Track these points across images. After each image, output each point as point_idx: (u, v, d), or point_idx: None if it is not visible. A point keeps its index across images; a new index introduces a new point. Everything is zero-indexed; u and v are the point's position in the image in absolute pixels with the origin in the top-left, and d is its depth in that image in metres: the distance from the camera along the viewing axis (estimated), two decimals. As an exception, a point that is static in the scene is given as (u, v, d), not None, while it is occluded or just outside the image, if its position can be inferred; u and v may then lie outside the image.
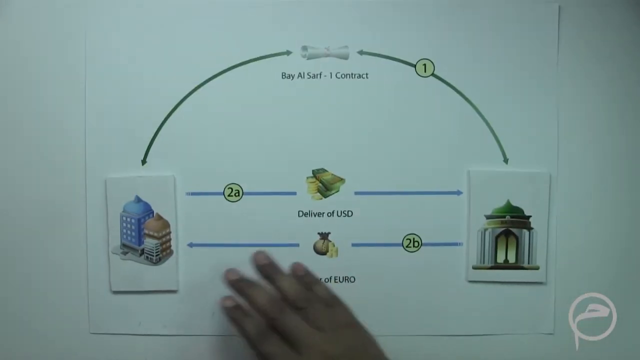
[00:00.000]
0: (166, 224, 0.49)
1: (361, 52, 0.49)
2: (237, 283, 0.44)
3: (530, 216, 0.49)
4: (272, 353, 0.42)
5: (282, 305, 0.43)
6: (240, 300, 0.44)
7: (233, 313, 0.44)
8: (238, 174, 0.49)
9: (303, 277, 0.45)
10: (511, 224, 0.49)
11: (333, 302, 0.45)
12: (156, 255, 0.49)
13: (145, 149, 0.49)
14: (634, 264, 0.50)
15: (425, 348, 0.50)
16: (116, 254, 0.49)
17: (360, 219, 0.50)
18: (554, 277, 0.50)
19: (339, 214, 0.50)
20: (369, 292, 0.49)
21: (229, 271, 0.45)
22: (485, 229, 0.49)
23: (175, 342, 0.50)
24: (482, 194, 0.49)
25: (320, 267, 0.49)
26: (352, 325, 0.44)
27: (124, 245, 0.49)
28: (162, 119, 0.49)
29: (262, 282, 0.44)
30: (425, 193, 0.50)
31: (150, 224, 0.49)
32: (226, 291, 0.49)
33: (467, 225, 0.50)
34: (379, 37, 0.49)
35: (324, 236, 0.50)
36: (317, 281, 0.46)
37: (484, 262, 0.50)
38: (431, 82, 0.49)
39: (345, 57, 0.49)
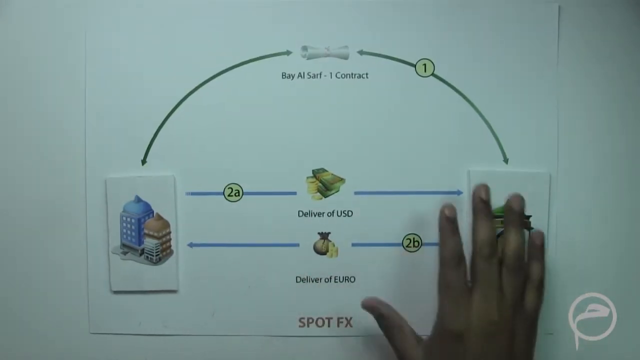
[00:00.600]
0: (166, 224, 0.49)
1: (361, 52, 0.49)
2: (483, 204, 0.45)
3: (530, 216, 0.49)
4: (453, 281, 0.43)
5: (496, 253, 0.43)
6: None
7: (448, 223, 0.44)
8: (238, 174, 0.49)
9: (536, 247, 0.45)
10: (511, 224, 0.49)
11: (536, 285, 0.44)
12: (156, 255, 0.49)
13: (145, 149, 0.49)
14: (634, 264, 0.50)
15: (425, 348, 0.50)
16: (116, 254, 0.49)
17: (360, 219, 0.50)
18: (553, 277, 0.50)
19: (339, 214, 0.50)
20: (369, 292, 0.49)
21: (482, 187, 0.45)
22: (485, 229, 0.49)
23: (175, 342, 0.50)
24: (482, 194, 0.49)
25: (320, 267, 0.50)
26: (530, 316, 0.44)
27: (124, 245, 0.49)
28: (162, 119, 0.49)
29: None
30: (425, 193, 0.50)
31: (150, 224, 0.49)
32: (226, 290, 0.50)
33: (467, 225, 0.49)
34: (379, 37, 0.49)
35: (324, 236, 0.50)
36: (541, 259, 0.45)
37: (484, 262, 0.50)
38: (431, 82, 0.49)
39: (345, 57, 0.49)
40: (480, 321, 0.42)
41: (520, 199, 0.45)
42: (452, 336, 0.42)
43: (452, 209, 0.45)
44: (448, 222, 0.44)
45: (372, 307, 0.47)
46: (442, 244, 0.44)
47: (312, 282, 0.50)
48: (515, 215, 0.45)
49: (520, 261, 0.44)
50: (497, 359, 0.42)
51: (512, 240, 0.44)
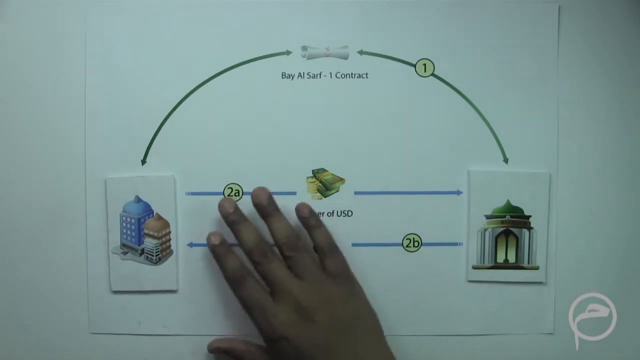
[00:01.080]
0: (166, 224, 0.49)
1: (361, 52, 0.49)
2: (231, 216, 0.45)
3: (530, 216, 0.49)
4: (246, 297, 0.43)
5: (268, 249, 0.44)
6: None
7: (216, 249, 0.45)
8: (238, 174, 0.49)
9: (306, 218, 0.45)
10: (511, 223, 0.49)
11: (328, 251, 0.45)
12: (156, 255, 0.49)
13: (145, 149, 0.49)
14: (634, 264, 0.50)
15: (425, 348, 0.50)
16: (116, 254, 0.49)
17: (360, 219, 0.50)
18: (554, 277, 0.50)
19: (339, 214, 0.50)
20: (369, 292, 0.49)
21: (225, 201, 0.45)
22: (485, 229, 0.49)
23: (175, 342, 0.50)
24: (482, 194, 0.49)
25: (320, 267, 0.50)
26: (338, 277, 0.44)
27: (124, 245, 0.49)
28: (162, 119, 0.49)
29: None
30: (425, 193, 0.50)
31: (150, 223, 0.49)
32: (226, 290, 0.50)
33: (467, 225, 0.50)
34: (379, 37, 0.49)
35: (324, 236, 0.50)
36: (319, 226, 0.46)
37: (484, 262, 0.50)
38: (431, 82, 0.49)
39: (345, 57, 0.49)
40: (294, 316, 0.42)
41: (261, 192, 0.45)
42: (277, 342, 0.42)
43: (217, 235, 0.45)
44: (216, 249, 0.45)
45: (215, 349, 0.47)
46: (221, 269, 0.45)
47: (312, 282, 0.50)
48: (263, 208, 0.45)
49: (293, 240, 0.44)
50: (337, 334, 0.42)
51: (275, 228, 0.44)
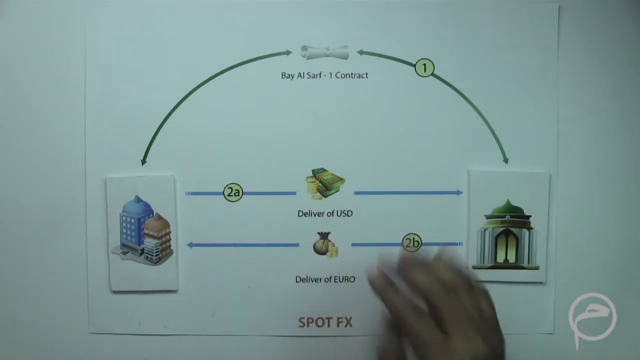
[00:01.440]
0: (166, 224, 0.49)
1: (361, 52, 0.49)
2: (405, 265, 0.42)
3: (530, 216, 0.49)
4: (424, 334, 0.39)
5: (440, 286, 0.40)
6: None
7: (379, 283, 0.42)
8: (238, 174, 0.49)
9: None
10: (511, 223, 0.49)
11: (480, 294, 0.42)
12: (156, 255, 0.49)
13: (145, 149, 0.49)
14: (634, 264, 0.50)
15: (425, 348, 0.50)
16: (116, 253, 0.49)
17: (360, 218, 0.50)
18: (554, 277, 0.50)
19: (339, 214, 0.50)
20: (369, 292, 0.49)
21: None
22: (485, 229, 0.49)
23: (175, 342, 0.50)
24: (482, 194, 0.49)
25: (320, 267, 0.50)
26: (494, 323, 0.41)
27: (124, 245, 0.49)
28: (162, 119, 0.49)
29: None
30: (425, 193, 0.50)
31: (150, 223, 0.49)
32: (226, 292, 0.50)
33: (467, 225, 0.50)
34: (379, 37, 0.49)
35: (324, 236, 0.50)
36: (462, 269, 0.43)
37: (483, 262, 0.50)
38: (431, 82, 0.49)
39: (345, 57, 0.49)
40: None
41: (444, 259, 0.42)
42: None
43: (382, 264, 0.42)
44: (384, 279, 0.42)
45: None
46: (390, 304, 0.41)
47: (312, 282, 0.50)
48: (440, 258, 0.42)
49: (465, 280, 0.41)
50: None
51: (444, 271, 0.41)
